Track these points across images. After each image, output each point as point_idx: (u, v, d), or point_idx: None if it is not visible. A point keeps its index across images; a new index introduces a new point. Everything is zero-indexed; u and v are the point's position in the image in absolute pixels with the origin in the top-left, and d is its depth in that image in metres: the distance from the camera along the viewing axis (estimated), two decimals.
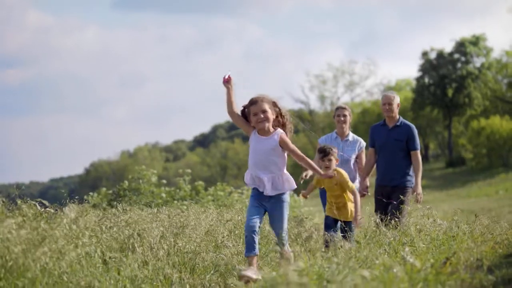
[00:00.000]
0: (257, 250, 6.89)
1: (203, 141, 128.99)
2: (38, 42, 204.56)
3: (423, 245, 5.50)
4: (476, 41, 63.88)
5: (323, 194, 10.27)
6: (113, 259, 6.07)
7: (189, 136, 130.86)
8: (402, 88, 79.25)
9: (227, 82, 7.05)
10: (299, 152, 7.08)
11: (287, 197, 7.16)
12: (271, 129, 7.04)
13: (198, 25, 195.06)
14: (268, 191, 6.98)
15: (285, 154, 7.08)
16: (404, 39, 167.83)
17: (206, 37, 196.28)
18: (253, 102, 7.03)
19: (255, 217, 6.99)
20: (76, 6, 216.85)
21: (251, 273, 6.47)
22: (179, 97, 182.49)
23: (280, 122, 7.16)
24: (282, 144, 7.00)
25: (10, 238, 5.01)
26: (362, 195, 10.08)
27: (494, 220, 7.27)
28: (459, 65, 63.78)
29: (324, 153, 9.35)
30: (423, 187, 10.10)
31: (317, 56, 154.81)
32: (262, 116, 6.95)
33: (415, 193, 9.65)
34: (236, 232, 8.59)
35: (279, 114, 7.14)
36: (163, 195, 17.26)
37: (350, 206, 9.36)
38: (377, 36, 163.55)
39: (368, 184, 10.31)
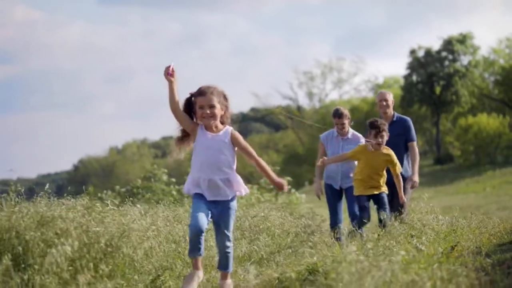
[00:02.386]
0: (202, 251, 6.31)
1: None
2: (25, 37, 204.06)
3: (430, 237, 6.60)
4: (463, 39, 64.72)
5: (329, 198, 10.81)
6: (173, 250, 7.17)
7: (177, 132, 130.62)
8: (390, 86, 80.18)
9: (170, 75, 6.19)
10: (251, 150, 6.52)
11: (235, 204, 6.45)
12: (219, 125, 6.40)
13: (184, 20, 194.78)
14: (222, 195, 6.31)
15: (235, 153, 6.46)
16: (391, 35, 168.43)
17: (192, 32, 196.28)
18: (201, 92, 6.31)
19: (201, 216, 6.18)
20: (63, 1, 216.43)
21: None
22: (165, 92, 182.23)
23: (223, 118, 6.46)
24: (234, 141, 6.41)
25: (96, 231, 6.13)
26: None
27: (488, 217, 8.42)
28: (446, 63, 64.54)
29: (378, 129, 9.42)
30: None
31: (304, 51, 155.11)
32: (208, 111, 6.26)
33: (412, 180, 10.33)
34: (261, 226, 9.54)
35: (226, 110, 6.45)
36: (174, 192, 18.21)
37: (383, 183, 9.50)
38: (364, 33, 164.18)
39: None
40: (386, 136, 9.42)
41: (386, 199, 9.48)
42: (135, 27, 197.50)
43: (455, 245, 6.10)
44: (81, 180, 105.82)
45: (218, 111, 6.31)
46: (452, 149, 63.70)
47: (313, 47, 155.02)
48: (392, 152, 9.53)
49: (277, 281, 6.27)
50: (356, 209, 10.22)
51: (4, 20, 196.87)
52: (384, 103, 10.86)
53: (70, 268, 5.67)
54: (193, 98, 6.37)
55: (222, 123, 6.45)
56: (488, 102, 66.12)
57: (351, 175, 10.49)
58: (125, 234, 6.33)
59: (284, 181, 6.49)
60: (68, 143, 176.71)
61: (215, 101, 6.28)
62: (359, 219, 9.32)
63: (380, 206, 9.42)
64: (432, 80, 63.94)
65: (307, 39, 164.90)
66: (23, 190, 7.23)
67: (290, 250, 9.02)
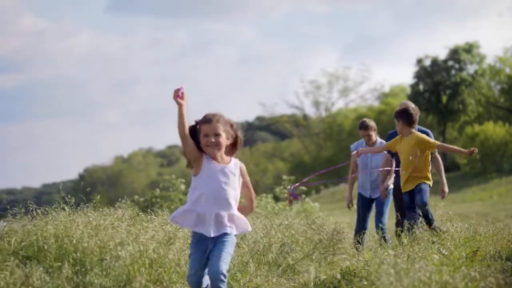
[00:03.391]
0: None
1: None
2: (32, 46, 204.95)
3: (452, 242, 7.08)
4: (469, 48, 65.19)
5: (359, 206, 11.16)
6: None
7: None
8: (396, 94, 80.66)
9: (180, 97, 5.76)
10: (251, 188, 6.19)
11: (235, 238, 5.98)
12: (224, 156, 5.97)
13: (191, 28, 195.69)
14: (223, 231, 5.84)
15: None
16: (397, 43, 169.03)
17: (198, 41, 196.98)
18: (207, 119, 5.90)
19: (198, 270, 5.81)
20: (70, 10, 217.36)
21: None
22: (171, 101, 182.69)
23: (233, 147, 6.07)
24: (243, 175, 6.05)
25: (143, 241, 6.64)
26: (384, 197, 10.70)
27: (505, 224, 8.90)
28: (453, 72, 65.02)
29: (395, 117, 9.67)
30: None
31: (311, 59, 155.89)
32: (213, 140, 5.83)
33: (443, 190, 10.31)
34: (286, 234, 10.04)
35: (235, 138, 6.04)
36: None
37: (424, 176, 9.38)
38: (370, 40, 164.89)
39: (388, 185, 10.71)
40: (402, 122, 9.53)
41: (426, 189, 9.42)
42: (141, 35, 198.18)
43: (477, 250, 6.62)
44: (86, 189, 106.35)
45: (224, 140, 5.89)
46: (459, 158, 64.02)
47: (319, 55, 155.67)
48: (418, 133, 9.60)
49: (312, 283, 6.78)
50: (383, 222, 10.83)
51: (11, 30, 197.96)
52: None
53: (125, 273, 6.17)
54: (198, 126, 5.93)
55: (227, 153, 6.00)
56: (494, 110, 66.54)
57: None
58: (171, 242, 6.82)
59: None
60: (73, 152, 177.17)
61: (221, 130, 5.86)
62: (409, 219, 9.25)
63: (415, 192, 9.42)
64: (439, 89, 64.34)
65: (313, 47, 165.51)
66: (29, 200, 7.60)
67: (314, 257, 9.55)
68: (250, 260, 8.06)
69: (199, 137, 5.87)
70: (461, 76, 64.10)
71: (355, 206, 11.42)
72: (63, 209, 7.53)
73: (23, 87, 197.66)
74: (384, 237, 10.34)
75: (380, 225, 10.75)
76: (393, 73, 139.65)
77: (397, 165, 10.44)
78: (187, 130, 5.77)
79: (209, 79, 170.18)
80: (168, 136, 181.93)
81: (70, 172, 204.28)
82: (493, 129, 57.88)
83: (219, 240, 5.81)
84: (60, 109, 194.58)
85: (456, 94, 63.83)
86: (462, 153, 9.67)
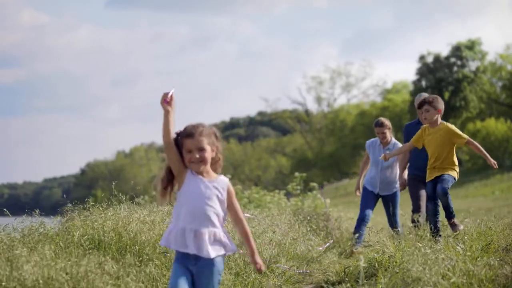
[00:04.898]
0: None
1: None
2: (32, 41, 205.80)
3: (467, 236, 7.83)
4: (471, 45, 65.81)
5: (364, 196, 11.41)
6: None
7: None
8: (399, 90, 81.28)
9: (167, 103, 5.28)
10: (241, 212, 5.51)
11: (221, 265, 5.39)
12: (210, 171, 5.41)
13: (192, 23, 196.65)
14: (206, 251, 5.24)
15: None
16: (398, 39, 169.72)
17: (199, 36, 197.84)
18: (188, 133, 5.33)
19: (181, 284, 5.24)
20: (71, 5, 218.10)
21: None
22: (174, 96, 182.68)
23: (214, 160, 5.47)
24: (230, 194, 5.43)
25: None
26: (403, 188, 11.08)
27: None
28: (455, 68, 65.60)
29: (419, 105, 9.51)
30: None
31: (311, 54, 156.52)
32: (197, 156, 5.28)
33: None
34: (309, 229, 10.81)
35: (217, 151, 5.46)
36: None
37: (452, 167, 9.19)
38: (371, 36, 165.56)
39: (406, 178, 10.97)
40: (432, 110, 9.34)
41: (449, 177, 9.25)
42: (142, 30, 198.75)
43: (490, 243, 7.40)
44: (88, 184, 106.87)
45: (209, 154, 5.34)
46: (461, 154, 64.67)
47: (321, 50, 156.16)
48: (448, 124, 9.41)
49: (343, 273, 7.58)
50: (397, 222, 11.29)
51: (11, 25, 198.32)
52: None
53: None
54: (179, 138, 5.37)
55: (211, 165, 5.44)
56: (496, 107, 67.14)
57: (393, 182, 11.33)
58: None
59: (263, 266, 5.42)
60: (74, 147, 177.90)
61: (205, 143, 5.31)
62: (429, 210, 9.34)
63: (438, 182, 9.22)
64: (441, 85, 64.88)
65: (314, 42, 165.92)
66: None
67: (335, 250, 10.35)
68: (281, 254, 8.81)
69: (181, 150, 5.33)
70: (463, 73, 64.68)
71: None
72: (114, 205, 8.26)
73: (24, 82, 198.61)
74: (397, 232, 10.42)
75: (395, 229, 10.68)
76: (394, 69, 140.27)
77: (413, 156, 10.80)
78: (171, 138, 5.30)
79: (210, 73, 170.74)
80: None
81: (71, 167, 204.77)
82: (495, 126, 58.52)
83: (202, 272, 5.27)
84: (61, 103, 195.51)
85: (458, 91, 64.39)
86: (486, 160, 9.24)
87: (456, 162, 9.41)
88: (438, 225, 9.03)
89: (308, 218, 11.33)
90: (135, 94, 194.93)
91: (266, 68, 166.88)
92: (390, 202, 11.44)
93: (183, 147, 5.31)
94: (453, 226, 8.88)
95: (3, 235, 7.25)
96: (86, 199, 8.97)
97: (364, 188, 11.57)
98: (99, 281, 6.15)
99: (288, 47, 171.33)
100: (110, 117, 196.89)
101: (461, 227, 8.83)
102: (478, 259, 6.15)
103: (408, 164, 11.07)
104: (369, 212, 11.38)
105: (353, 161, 69.42)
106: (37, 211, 8.22)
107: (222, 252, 5.32)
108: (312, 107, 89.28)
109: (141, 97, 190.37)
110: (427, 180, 9.43)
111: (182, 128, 5.39)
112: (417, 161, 10.69)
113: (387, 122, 11.52)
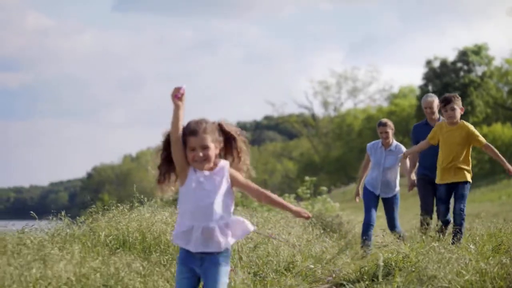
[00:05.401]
0: None
1: None
2: (37, 44, 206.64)
3: (479, 237, 8.12)
4: (478, 50, 66.01)
5: (366, 199, 11.50)
6: None
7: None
8: (405, 95, 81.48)
9: (178, 98, 5.12)
10: (254, 185, 5.36)
11: (227, 262, 5.24)
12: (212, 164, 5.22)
13: (197, 27, 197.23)
14: (216, 244, 5.11)
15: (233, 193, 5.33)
16: (404, 43, 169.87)
17: (205, 39, 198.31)
18: (192, 131, 5.17)
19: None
20: (76, 9, 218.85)
21: None
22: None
23: (232, 148, 5.33)
24: (232, 179, 5.27)
25: None
26: (411, 189, 11.03)
27: None
28: (461, 73, 65.82)
29: (446, 101, 9.20)
30: None
31: (317, 58, 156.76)
32: (201, 154, 5.12)
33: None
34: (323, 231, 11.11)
35: (229, 136, 5.32)
36: None
37: (467, 168, 9.08)
38: (376, 40, 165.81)
39: (415, 179, 10.99)
40: (458, 109, 9.22)
41: (466, 190, 9.13)
42: (148, 34, 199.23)
43: (500, 244, 7.68)
44: (95, 188, 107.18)
45: (213, 151, 5.17)
46: None
47: (327, 54, 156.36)
48: (469, 124, 9.28)
49: (358, 273, 7.87)
50: (397, 225, 11.32)
51: (16, 28, 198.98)
52: (429, 110, 11.17)
53: None
54: (182, 135, 5.19)
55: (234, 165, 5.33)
56: (502, 111, 67.30)
57: (394, 184, 11.42)
58: None
59: (303, 210, 5.42)
60: (80, 151, 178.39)
61: (209, 141, 5.15)
62: (440, 214, 9.34)
63: (456, 197, 9.12)
64: (448, 90, 64.73)
65: (320, 46, 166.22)
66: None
67: (347, 252, 10.63)
68: (299, 254, 9.10)
69: (186, 150, 5.16)
70: (469, 78, 64.86)
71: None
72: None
73: (29, 86, 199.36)
74: (400, 235, 10.58)
75: (394, 231, 11.09)
76: (400, 74, 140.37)
77: (422, 155, 10.83)
78: (179, 135, 5.13)
79: (216, 77, 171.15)
80: None
81: (76, 171, 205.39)
82: (502, 130, 58.65)
83: (210, 269, 5.12)
84: (66, 107, 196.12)
85: (464, 96, 64.48)
86: (503, 165, 9.17)
87: (470, 163, 9.34)
88: (449, 226, 9.01)
89: (322, 221, 11.60)
90: (141, 98, 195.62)
91: (272, 73, 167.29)
92: (390, 205, 11.50)
93: (186, 144, 5.14)
94: (455, 240, 8.64)
95: (31, 235, 7.53)
96: (90, 203, 9.14)
97: (365, 190, 11.67)
98: (128, 278, 6.44)
99: (294, 51, 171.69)
100: (116, 121, 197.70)
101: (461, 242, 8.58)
102: (490, 258, 6.43)
103: (418, 164, 11.12)
104: (373, 214, 11.47)
105: (360, 166, 69.73)
106: (63, 212, 8.50)
107: (232, 241, 5.18)
108: (319, 111, 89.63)
109: (147, 101, 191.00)
110: (439, 182, 9.37)
111: (185, 124, 5.20)
112: (426, 160, 10.74)
113: (389, 122, 11.63)
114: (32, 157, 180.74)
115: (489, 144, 9.36)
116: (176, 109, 5.09)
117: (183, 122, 5.13)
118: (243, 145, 5.38)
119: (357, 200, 11.86)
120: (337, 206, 21.70)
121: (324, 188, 21.26)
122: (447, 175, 9.24)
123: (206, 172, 5.16)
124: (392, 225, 11.41)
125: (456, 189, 9.15)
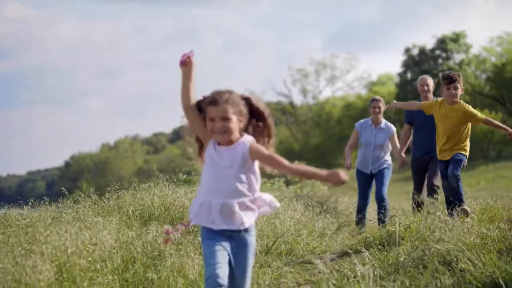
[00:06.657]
0: None
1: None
2: (17, 34, 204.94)
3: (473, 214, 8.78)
4: (456, 38, 66.72)
5: (360, 183, 11.82)
6: None
7: (167, 129, 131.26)
8: (384, 83, 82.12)
9: (184, 64, 4.92)
10: (279, 158, 4.88)
11: (254, 240, 4.99)
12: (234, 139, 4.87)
13: (177, 15, 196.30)
14: (238, 222, 4.81)
15: (258, 168, 4.95)
16: (384, 31, 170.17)
17: (184, 28, 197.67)
18: (212, 100, 4.83)
19: (220, 266, 4.75)
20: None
21: None
22: (157, 89, 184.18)
23: (257, 125, 4.99)
24: (254, 155, 4.86)
25: None
26: (402, 167, 11.36)
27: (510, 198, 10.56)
28: (440, 61, 66.50)
29: (450, 79, 9.06)
30: (408, 178, 12.53)
31: (297, 46, 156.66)
32: (220, 125, 4.78)
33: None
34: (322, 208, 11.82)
35: (258, 113, 5.00)
36: None
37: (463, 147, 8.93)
38: (357, 28, 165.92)
39: (405, 157, 11.34)
40: (460, 88, 9.11)
41: (461, 157, 9.06)
42: (128, 23, 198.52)
43: (493, 216, 8.40)
44: (73, 176, 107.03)
45: (234, 124, 4.81)
46: None
47: (307, 42, 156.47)
48: (466, 105, 9.15)
49: (363, 243, 8.58)
50: (384, 193, 11.39)
51: None
52: (426, 87, 11.42)
53: None
54: (203, 104, 4.91)
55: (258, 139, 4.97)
56: (480, 99, 68.12)
57: (384, 159, 11.67)
58: None
59: (336, 172, 4.66)
60: (58, 139, 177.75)
61: (230, 112, 4.79)
62: (446, 189, 9.27)
63: (450, 163, 9.03)
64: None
65: (300, 34, 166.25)
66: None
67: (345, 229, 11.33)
68: (304, 227, 9.80)
69: (205, 120, 4.87)
70: (448, 65, 65.46)
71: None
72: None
73: (8, 74, 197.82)
74: (384, 207, 11.18)
75: (381, 203, 11.34)
76: (379, 62, 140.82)
77: (418, 136, 11.17)
78: (190, 101, 4.89)
79: (196, 66, 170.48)
80: (154, 124, 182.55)
81: (54, 159, 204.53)
82: None
83: (235, 248, 4.86)
84: (43, 96, 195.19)
85: (437, 88, 65.12)
86: (507, 131, 9.17)
87: (468, 144, 9.28)
88: (462, 196, 8.89)
89: (320, 201, 12.31)
90: (119, 87, 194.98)
91: (252, 61, 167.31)
92: (381, 174, 11.69)
93: (206, 113, 4.85)
94: (462, 211, 8.64)
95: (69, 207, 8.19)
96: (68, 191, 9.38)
97: (358, 171, 11.89)
98: (163, 246, 7.06)
99: (274, 40, 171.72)
100: (94, 109, 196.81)
101: (469, 211, 8.64)
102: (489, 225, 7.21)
103: (413, 144, 11.40)
104: (368, 198, 11.80)
105: (340, 153, 70.22)
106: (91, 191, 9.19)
107: (255, 217, 4.91)
108: (297, 99, 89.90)
109: (126, 90, 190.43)
110: (441, 159, 9.27)
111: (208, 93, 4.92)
112: (422, 141, 11.01)
113: (381, 98, 12.04)
114: (9, 146, 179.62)
115: (488, 118, 9.27)
116: (184, 76, 4.92)
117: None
118: (271, 123, 5.03)
119: (349, 167, 11.63)
120: (325, 189, 22.28)
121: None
122: (443, 154, 9.23)
123: (225, 148, 4.84)
124: (380, 194, 11.48)
125: (452, 158, 9.09)
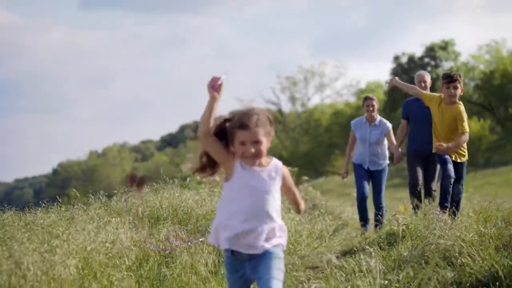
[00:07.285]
0: None
1: (170, 141, 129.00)
2: (5, 42, 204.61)
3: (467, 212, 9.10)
4: (445, 45, 67.25)
5: (357, 174, 11.81)
6: None
7: (156, 136, 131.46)
8: (373, 90, 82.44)
9: (215, 89, 4.59)
10: (299, 197, 4.99)
11: (280, 251, 4.69)
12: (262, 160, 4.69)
13: (167, 23, 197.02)
14: (261, 246, 4.59)
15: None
16: (372, 39, 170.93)
17: (174, 36, 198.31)
18: (242, 124, 4.60)
19: None
20: (45, 7, 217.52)
21: None
22: (146, 97, 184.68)
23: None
24: (285, 178, 4.79)
25: None
26: (398, 162, 11.26)
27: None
28: (429, 68, 66.79)
29: (451, 79, 9.07)
30: (398, 185, 12.77)
31: (286, 54, 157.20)
32: (253, 150, 4.58)
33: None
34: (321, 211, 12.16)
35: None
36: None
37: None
38: (346, 36, 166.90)
39: (401, 151, 11.28)
40: (460, 88, 9.09)
41: (464, 174, 9.45)
42: (118, 31, 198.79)
43: (488, 216, 8.70)
44: (61, 184, 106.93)
45: (265, 146, 4.62)
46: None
47: (295, 50, 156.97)
48: (461, 108, 9.16)
49: (364, 242, 8.91)
50: (382, 198, 11.59)
51: None
52: (423, 84, 11.19)
53: None
54: (227, 124, 4.67)
55: None
56: (468, 106, 68.55)
57: (382, 155, 11.76)
58: None
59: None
60: (46, 147, 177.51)
61: (261, 135, 4.59)
62: (446, 179, 9.42)
63: (458, 173, 9.23)
64: (415, 85, 65.98)
65: (289, 42, 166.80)
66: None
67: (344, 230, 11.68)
68: (303, 229, 10.15)
69: (230, 139, 4.64)
70: (437, 73, 65.78)
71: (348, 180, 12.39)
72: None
73: None
74: (381, 208, 11.42)
75: (379, 208, 11.54)
76: (368, 69, 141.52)
77: (414, 130, 11.04)
78: (210, 130, 4.57)
79: (185, 74, 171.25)
80: (142, 131, 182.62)
81: (42, 167, 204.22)
82: (468, 124, 59.63)
83: (262, 260, 4.60)
84: (31, 104, 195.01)
85: (432, 91, 64.83)
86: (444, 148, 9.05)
87: (465, 146, 9.37)
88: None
89: (323, 202, 12.65)
90: (107, 94, 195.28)
91: (241, 69, 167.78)
92: (378, 179, 11.82)
93: (233, 136, 4.59)
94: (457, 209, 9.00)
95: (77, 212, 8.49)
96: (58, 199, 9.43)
97: (355, 165, 11.96)
98: (175, 244, 7.40)
99: (263, 47, 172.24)
100: (83, 116, 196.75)
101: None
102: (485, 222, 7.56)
103: (408, 138, 11.25)
104: (366, 186, 11.76)
105: (328, 160, 70.79)
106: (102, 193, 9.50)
107: (279, 241, 4.67)
108: (286, 106, 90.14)
109: (114, 97, 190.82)
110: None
111: (231, 115, 4.71)
112: (418, 136, 10.90)
113: (374, 97, 12.12)
114: None
115: (465, 135, 9.27)
116: (211, 101, 4.57)
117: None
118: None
119: (345, 176, 12.23)
120: (318, 194, 22.65)
121: (306, 178, 22.21)
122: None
123: (258, 168, 4.66)
124: (377, 199, 11.68)
125: (458, 168, 9.22)
